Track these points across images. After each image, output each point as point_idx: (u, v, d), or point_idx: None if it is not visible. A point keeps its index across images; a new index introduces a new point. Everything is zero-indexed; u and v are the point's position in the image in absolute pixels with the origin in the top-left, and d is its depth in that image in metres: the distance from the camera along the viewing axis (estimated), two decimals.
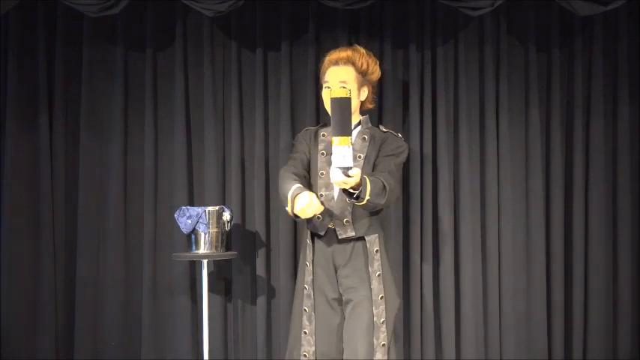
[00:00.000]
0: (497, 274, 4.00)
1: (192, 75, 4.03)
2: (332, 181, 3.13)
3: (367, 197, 3.17)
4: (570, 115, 4.07)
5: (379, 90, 4.01)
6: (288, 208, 3.29)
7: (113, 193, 4.00)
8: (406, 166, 3.99)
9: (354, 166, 3.13)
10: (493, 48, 4.02)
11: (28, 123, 3.99)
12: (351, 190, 3.16)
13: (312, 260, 3.46)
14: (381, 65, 4.01)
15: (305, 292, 3.45)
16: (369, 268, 3.39)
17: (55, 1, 3.81)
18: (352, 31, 4.02)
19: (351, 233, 3.40)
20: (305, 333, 3.42)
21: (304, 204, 3.19)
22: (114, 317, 3.97)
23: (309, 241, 3.49)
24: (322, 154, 3.50)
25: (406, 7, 4.00)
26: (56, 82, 4.00)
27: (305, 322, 3.43)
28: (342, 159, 3.03)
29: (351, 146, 3.05)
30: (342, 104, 3.06)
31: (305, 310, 3.44)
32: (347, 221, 3.39)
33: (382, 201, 3.25)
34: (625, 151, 4.05)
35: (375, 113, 3.99)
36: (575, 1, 3.71)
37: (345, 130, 3.04)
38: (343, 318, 3.42)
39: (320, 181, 3.47)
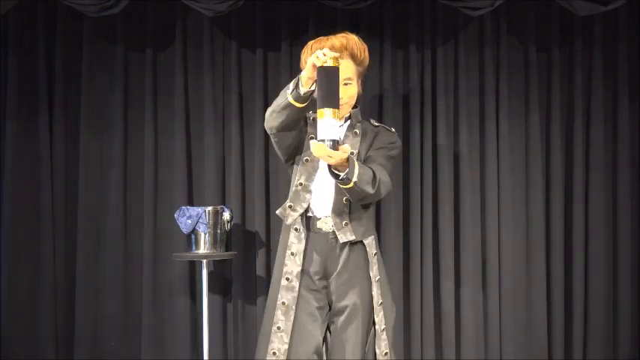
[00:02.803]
0: (498, 274, 4.00)
1: (192, 75, 4.03)
2: (315, 153, 2.76)
3: (354, 179, 2.83)
4: (570, 114, 4.07)
5: (379, 91, 4.01)
6: (289, 91, 2.89)
7: (113, 193, 4.00)
8: (406, 167, 4.00)
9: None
10: (493, 48, 4.02)
11: (28, 123, 3.99)
12: (337, 172, 2.83)
13: (304, 251, 3.08)
14: (380, 65, 4.03)
15: (287, 283, 3.05)
16: (370, 273, 3.07)
17: (55, 1, 3.82)
18: (352, 31, 3.99)
19: (352, 237, 3.04)
20: (278, 329, 3.03)
21: (315, 53, 2.78)
22: (114, 317, 3.97)
23: (301, 228, 3.08)
24: (311, 137, 3.06)
25: (406, 7, 4.00)
26: (56, 82, 4.00)
27: (280, 316, 3.03)
28: (330, 129, 2.72)
29: (339, 121, 2.77)
30: (330, 74, 2.74)
31: (283, 302, 3.04)
32: (345, 223, 3.04)
33: (371, 190, 2.90)
34: (625, 151, 4.05)
35: (375, 114, 4.00)
36: (575, 1, 3.71)
37: (333, 102, 2.72)
38: (324, 329, 3.08)
39: (302, 167, 3.11)
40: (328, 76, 2.74)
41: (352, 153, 3.04)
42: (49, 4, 3.94)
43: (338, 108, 2.75)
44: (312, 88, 2.85)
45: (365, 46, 3.16)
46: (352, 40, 3.12)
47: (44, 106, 3.98)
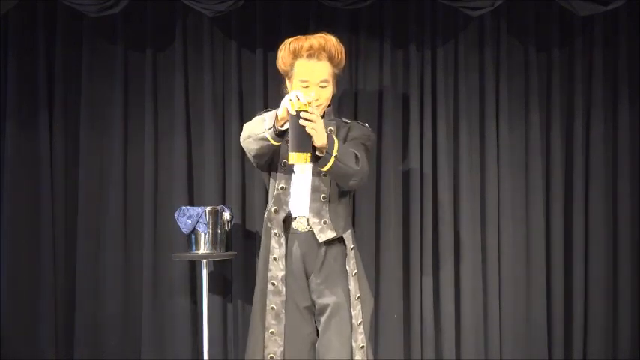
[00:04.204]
0: (497, 274, 4.01)
1: (192, 75, 4.03)
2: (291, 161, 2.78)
3: (335, 153, 2.84)
4: (570, 114, 4.07)
5: (379, 91, 4.01)
6: (267, 126, 2.88)
7: (113, 193, 4.00)
8: (406, 167, 4.00)
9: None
10: (493, 48, 4.02)
11: (28, 123, 3.99)
12: (317, 154, 2.85)
13: (285, 255, 3.08)
14: (380, 65, 4.03)
15: (273, 287, 3.08)
16: (347, 268, 3.09)
17: (55, 1, 3.82)
18: (352, 31, 4.02)
19: (332, 234, 3.05)
20: (272, 333, 3.07)
21: (288, 96, 2.75)
22: (114, 317, 3.97)
23: (280, 232, 3.09)
24: (287, 142, 2.99)
25: (406, 7, 4.00)
26: (56, 82, 4.00)
27: (271, 321, 3.07)
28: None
29: (310, 164, 2.82)
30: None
31: (272, 307, 3.07)
32: (325, 222, 3.05)
33: (355, 166, 2.93)
34: (625, 151, 4.06)
35: (375, 114, 4.00)
36: (575, 1, 3.71)
37: (304, 147, 2.74)
38: (314, 327, 3.12)
39: (280, 172, 3.10)
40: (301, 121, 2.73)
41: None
42: (49, 4, 3.94)
43: (310, 153, 2.75)
44: (286, 127, 2.85)
45: (342, 48, 3.14)
46: (330, 41, 3.09)
47: (44, 106, 3.98)
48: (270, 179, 3.17)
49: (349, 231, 3.15)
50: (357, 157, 2.95)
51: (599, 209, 4.05)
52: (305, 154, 2.74)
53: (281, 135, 2.91)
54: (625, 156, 4.05)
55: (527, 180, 4.05)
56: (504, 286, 4.01)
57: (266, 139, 2.93)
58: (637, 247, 4.07)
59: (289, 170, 3.09)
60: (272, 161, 3.14)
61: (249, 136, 3.02)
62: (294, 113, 2.73)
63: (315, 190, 3.06)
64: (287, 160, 2.80)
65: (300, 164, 2.73)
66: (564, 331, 4.03)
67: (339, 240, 3.12)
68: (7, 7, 3.76)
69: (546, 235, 4.04)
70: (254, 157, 3.06)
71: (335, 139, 2.88)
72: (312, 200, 3.07)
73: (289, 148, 2.75)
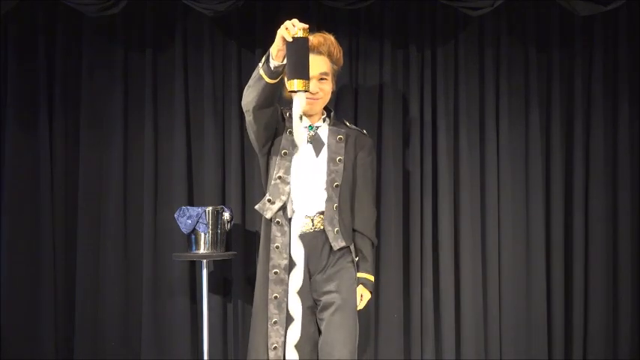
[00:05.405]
0: (497, 274, 4.01)
1: (192, 75, 4.03)
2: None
3: (372, 274, 3.24)
4: (570, 115, 4.07)
5: (379, 91, 4.01)
6: (260, 65, 2.88)
7: (113, 194, 4.00)
8: (406, 167, 4.00)
9: (335, 170, 3.08)
10: (493, 48, 4.02)
11: (28, 123, 3.99)
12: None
13: (289, 244, 3.00)
14: (380, 65, 4.03)
15: (275, 276, 3.05)
16: (353, 275, 3.14)
17: (55, 1, 3.82)
18: (352, 31, 4.02)
19: (342, 243, 3.11)
20: (275, 323, 3.04)
21: (284, 25, 2.73)
22: (114, 317, 3.97)
23: (283, 221, 3.07)
24: (289, 132, 3.10)
25: (406, 7, 4.00)
26: (56, 82, 4.00)
27: (273, 310, 3.04)
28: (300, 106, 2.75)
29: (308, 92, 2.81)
30: (300, 45, 2.70)
31: (275, 297, 3.04)
32: (337, 231, 3.10)
33: (374, 222, 3.32)
34: (625, 151, 4.06)
35: (375, 114, 4.00)
36: (575, 1, 3.71)
37: (302, 73, 2.68)
38: (316, 327, 3.11)
39: (280, 161, 3.10)
40: (298, 47, 2.71)
41: (340, 160, 3.14)
42: (49, 4, 3.94)
43: (308, 79, 2.71)
44: (284, 62, 2.82)
45: (341, 48, 3.19)
46: (329, 39, 3.16)
47: (44, 106, 3.98)
48: (269, 169, 3.17)
49: (352, 244, 3.20)
50: (373, 245, 3.24)
51: (599, 209, 4.05)
52: (304, 80, 2.70)
53: (275, 74, 2.86)
54: (625, 156, 4.05)
55: (527, 179, 4.05)
56: (504, 286, 4.01)
57: (261, 78, 2.88)
58: (637, 247, 4.07)
59: (288, 160, 3.09)
60: (272, 144, 3.14)
61: (248, 87, 3.00)
62: (291, 40, 2.71)
63: (329, 199, 3.11)
64: (289, 86, 2.73)
65: (300, 91, 2.68)
66: (564, 331, 4.03)
67: (346, 248, 3.16)
68: (7, 7, 3.76)
69: (546, 234, 4.05)
70: (254, 108, 2.99)
71: (370, 278, 3.22)
72: (327, 209, 3.11)
73: (288, 76, 2.71)
